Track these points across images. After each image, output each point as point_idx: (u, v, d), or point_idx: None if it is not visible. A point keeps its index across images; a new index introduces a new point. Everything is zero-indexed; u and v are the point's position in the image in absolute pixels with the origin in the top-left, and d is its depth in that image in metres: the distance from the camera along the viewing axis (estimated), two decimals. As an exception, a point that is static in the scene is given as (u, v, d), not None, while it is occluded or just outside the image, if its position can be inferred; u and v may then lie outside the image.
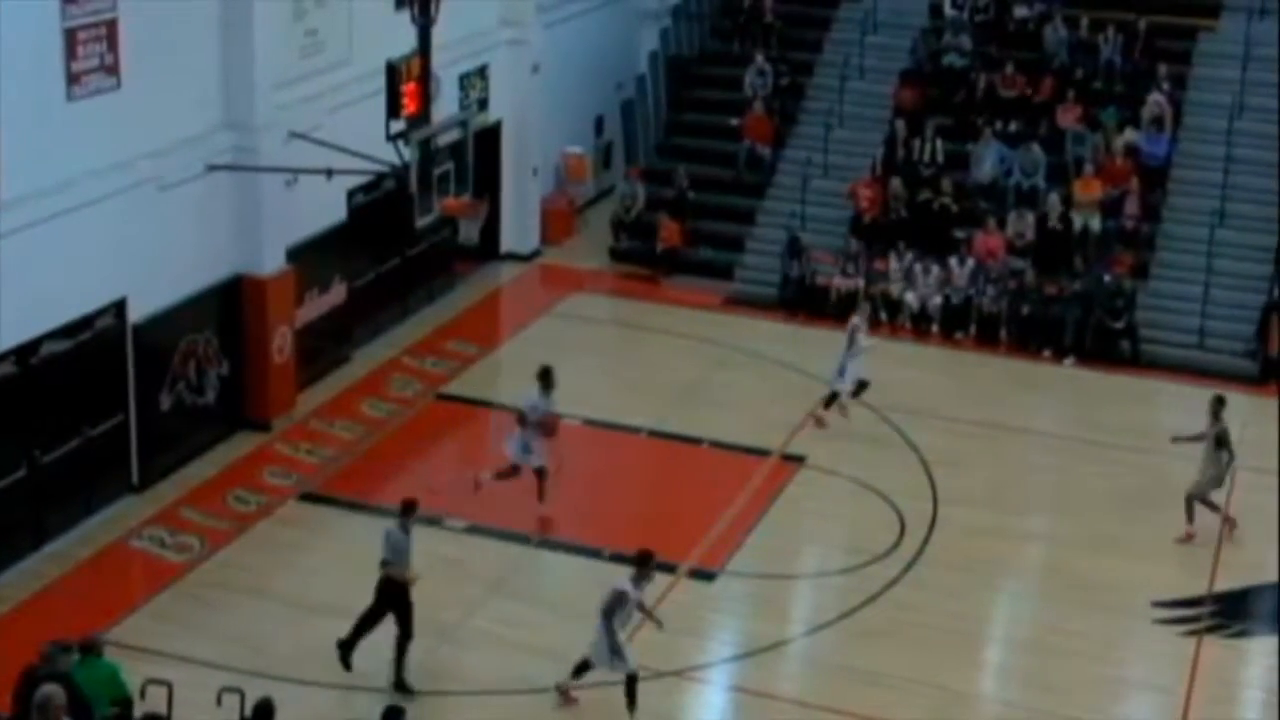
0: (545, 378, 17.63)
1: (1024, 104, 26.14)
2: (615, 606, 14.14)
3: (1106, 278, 22.92)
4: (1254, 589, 16.75)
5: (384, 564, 14.55)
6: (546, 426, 17.55)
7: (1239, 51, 26.17)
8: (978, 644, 16.05)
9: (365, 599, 14.61)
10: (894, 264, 23.99)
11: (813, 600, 16.77)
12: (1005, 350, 22.95)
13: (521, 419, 17.57)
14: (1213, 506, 17.68)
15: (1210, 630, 15.96)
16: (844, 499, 18.56)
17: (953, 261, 23.76)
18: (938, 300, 23.54)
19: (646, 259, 25.50)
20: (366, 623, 14.66)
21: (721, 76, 28.00)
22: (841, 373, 20.08)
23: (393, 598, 14.54)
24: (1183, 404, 20.47)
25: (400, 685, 14.51)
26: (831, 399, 20.19)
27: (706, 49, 29.03)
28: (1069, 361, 22.54)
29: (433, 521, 16.63)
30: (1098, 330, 22.56)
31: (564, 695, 14.51)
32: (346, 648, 14.67)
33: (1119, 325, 22.48)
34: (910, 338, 23.39)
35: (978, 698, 15.14)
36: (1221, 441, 17.65)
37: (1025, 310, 23.01)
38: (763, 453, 19.42)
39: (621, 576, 14.36)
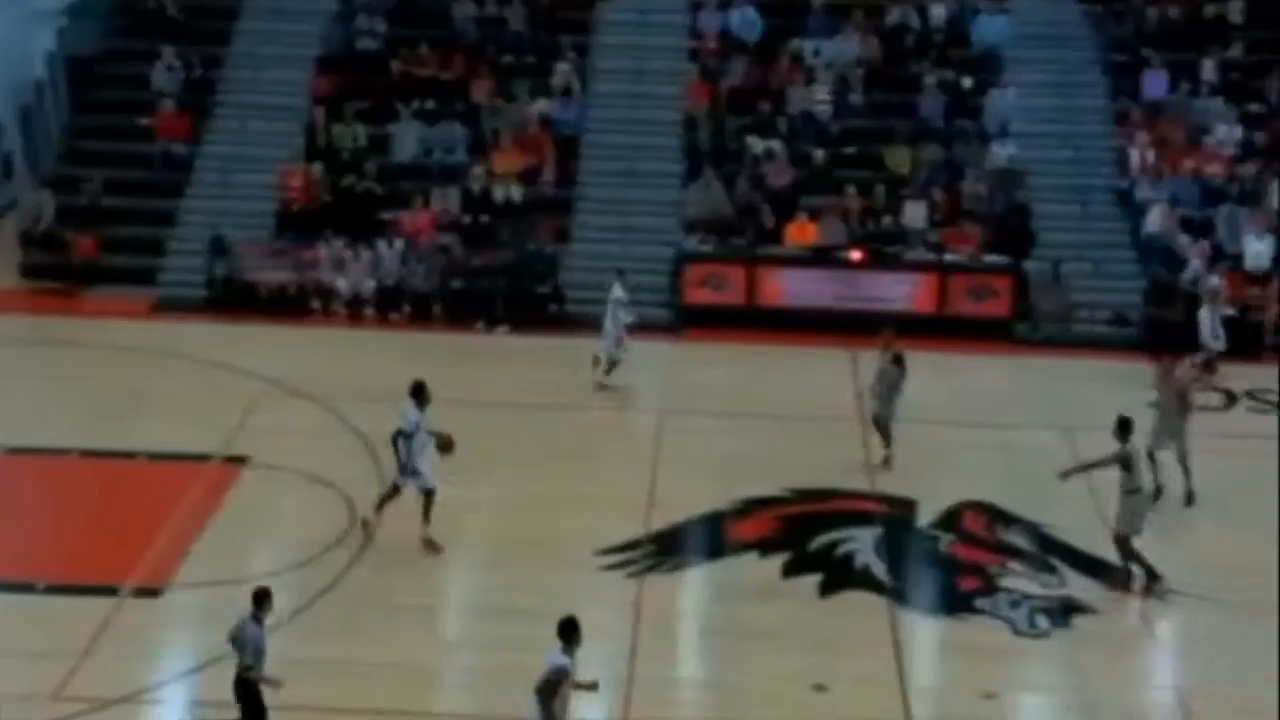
0: (419, 394, 16.91)
1: (439, 82, 26.58)
2: (556, 685, 12.31)
3: (531, 245, 23.68)
4: (684, 524, 17.72)
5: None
6: (442, 442, 16.81)
7: (636, 19, 27.58)
8: (438, 618, 16.25)
9: None
10: (324, 252, 23.88)
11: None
12: (440, 326, 23.34)
13: (405, 438, 16.73)
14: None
15: (650, 569, 16.80)
16: (292, 494, 18.31)
17: (381, 244, 23.90)
18: (370, 284, 23.64)
19: (61, 273, 24.28)
20: None
21: (127, 75, 27.02)
22: (618, 342, 20.74)
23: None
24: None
25: None
26: (611, 367, 20.86)
27: (109, 47, 27.89)
28: (502, 330, 23.18)
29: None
30: (527, 297, 23.30)
31: None
32: None
33: (546, 290, 23.31)
34: (345, 324, 23.39)
35: (441, 672, 15.32)
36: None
37: (456, 285, 23.47)
38: (203, 457, 18.91)
39: (553, 650, 12.54)
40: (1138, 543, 16.48)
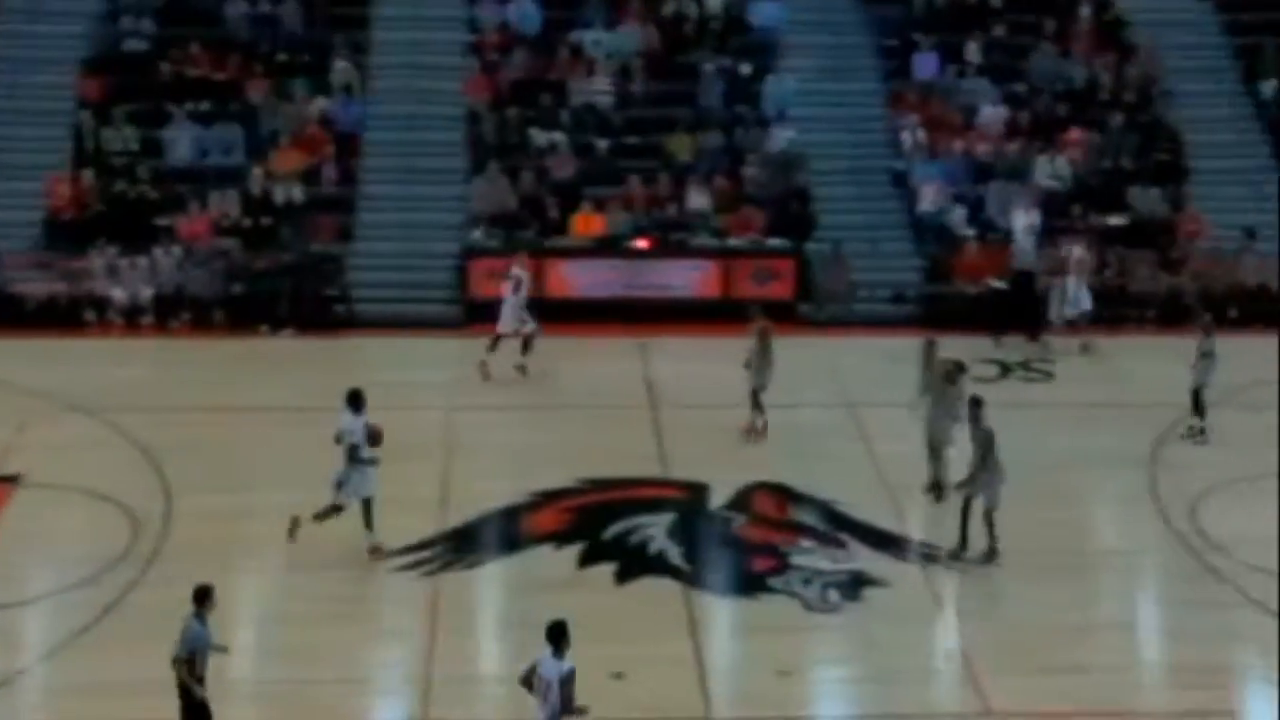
0: (355, 401, 16.61)
1: (212, 83, 25.99)
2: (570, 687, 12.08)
3: (313, 246, 23.33)
4: (478, 520, 17.64)
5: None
6: (374, 434, 16.45)
7: (413, 14, 27.35)
8: (232, 628, 15.80)
9: None
10: (96, 261, 23.18)
11: (50, 622, 15.88)
12: (223, 333, 22.87)
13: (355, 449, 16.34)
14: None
15: (445, 568, 16.67)
16: (70, 511, 17.71)
17: (158, 251, 23.30)
18: (148, 292, 23.02)
19: None
20: None
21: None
22: (524, 321, 20.97)
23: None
24: (396, 357, 21.19)
25: None
26: (527, 343, 21.07)
27: None
28: (287, 333, 22.79)
29: None
30: (311, 299, 22.94)
31: None
32: None
33: (331, 291, 22.99)
34: (122, 334, 22.75)
35: (237, 681, 14.97)
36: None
37: (238, 289, 23.00)
38: (-25, 480, 18.23)
39: (545, 658, 12.28)
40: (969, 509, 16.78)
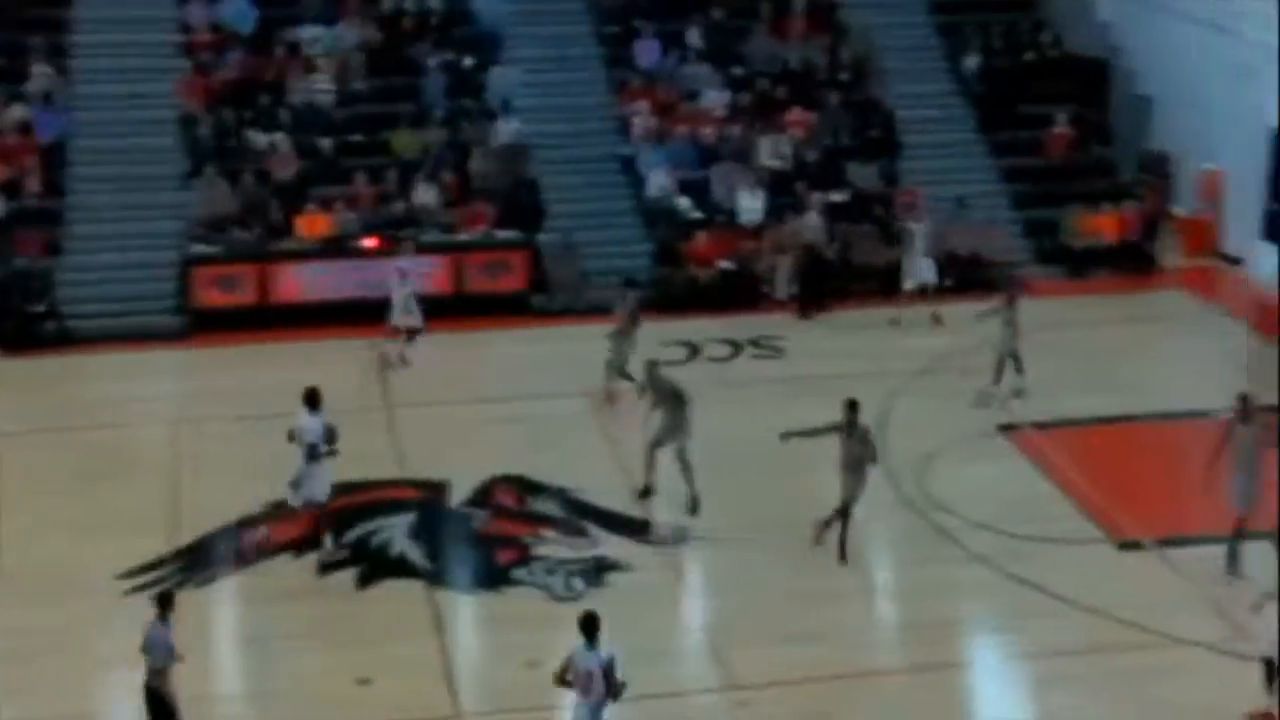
0: (312, 399, 16.49)
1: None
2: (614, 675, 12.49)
3: (18, 262, 22.27)
4: (211, 535, 17.12)
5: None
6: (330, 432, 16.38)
7: (116, 15, 26.37)
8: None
9: None
10: None
11: None
12: (-75, 355, 21.71)
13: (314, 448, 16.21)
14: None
15: (179, 586, 16.05)
16: None
17: None
18: None
19: None
20: None
21: None
22: (409, 310, 21.10)
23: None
24: (117, 371, 20.40)
25: None
26: (412, 335, 21.11)
27: None
28: (-6, 353, 21.79)
29: None
30: (18, 316, 21.90)
31: None
32: None
33: (40, 308, 21.98)
34: None
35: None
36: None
37: (-63, 311, 21.87)
38: None
39: (579, 648, 12.58)
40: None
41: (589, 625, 12.60)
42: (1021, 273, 24.02)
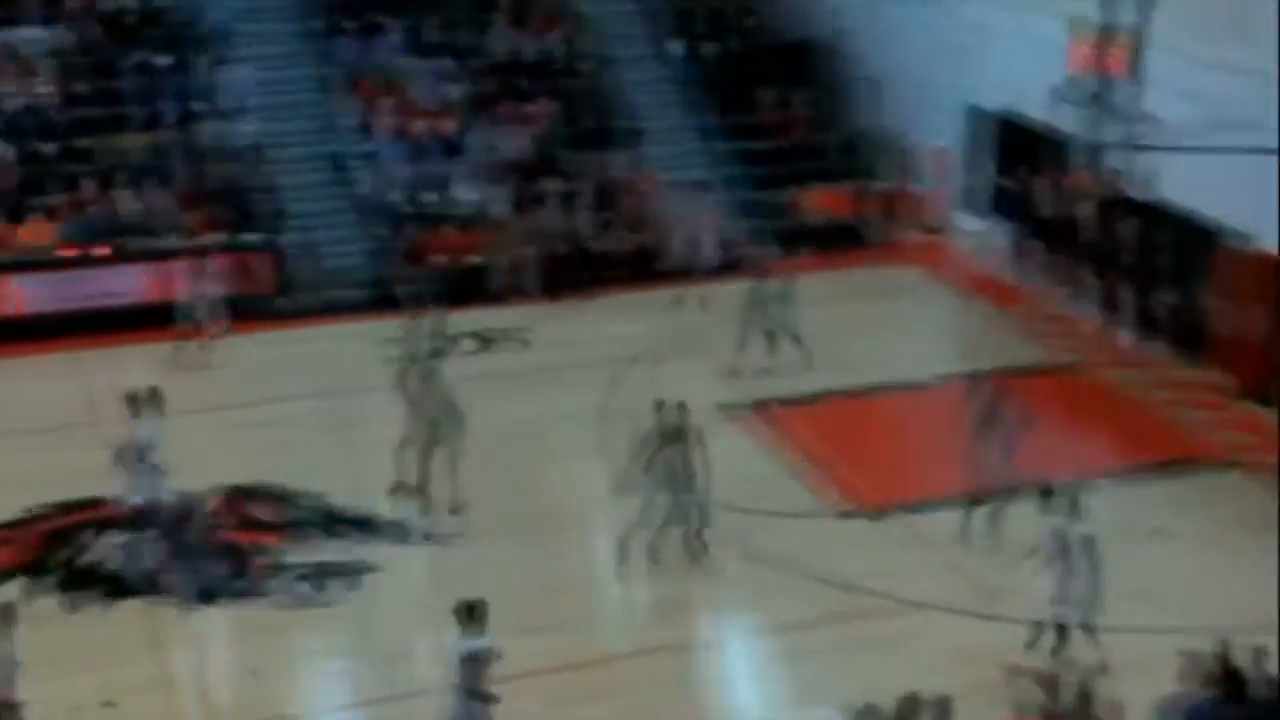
0: (152, 399, 16.27)
1: None
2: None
3: None
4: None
5: None
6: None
7: None
8: None
9: None
10: None
11: None
12: None
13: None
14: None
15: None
16: None
17: None
18: None
19: None
20: None
21: None
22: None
23: None
24: None
25: None
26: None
27: None
28: None
29: None
30: None
31: None
32: None
33: None
34: None
35: None
36: None
37: None
38: None
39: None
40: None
41: (464, 612, 12.85)
42: (762, 253, 24.61)
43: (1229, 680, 11.83)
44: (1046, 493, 14.47)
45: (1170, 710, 11.95)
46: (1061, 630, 14.18)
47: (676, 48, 28.08)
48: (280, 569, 16.46)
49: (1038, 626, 14.28)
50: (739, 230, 25.04)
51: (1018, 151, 24.78)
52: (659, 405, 16.32)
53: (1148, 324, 21.96)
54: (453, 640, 12.81)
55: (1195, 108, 19.60)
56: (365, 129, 25.91)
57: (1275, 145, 19.19)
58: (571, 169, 25.75)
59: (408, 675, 14.55)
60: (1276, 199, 19.43)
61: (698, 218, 24.59)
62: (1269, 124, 19.36)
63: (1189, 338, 21.40)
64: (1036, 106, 23.63)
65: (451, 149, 25.86)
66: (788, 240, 25.64)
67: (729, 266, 23.65)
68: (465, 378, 20.81)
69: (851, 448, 18.96)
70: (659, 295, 23.51)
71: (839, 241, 25.75)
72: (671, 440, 16.10)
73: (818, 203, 25.86)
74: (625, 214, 25.10)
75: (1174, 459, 18.69)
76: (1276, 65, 19.36)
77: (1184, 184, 20.08)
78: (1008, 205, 25.18)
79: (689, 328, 22.54)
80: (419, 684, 14.34)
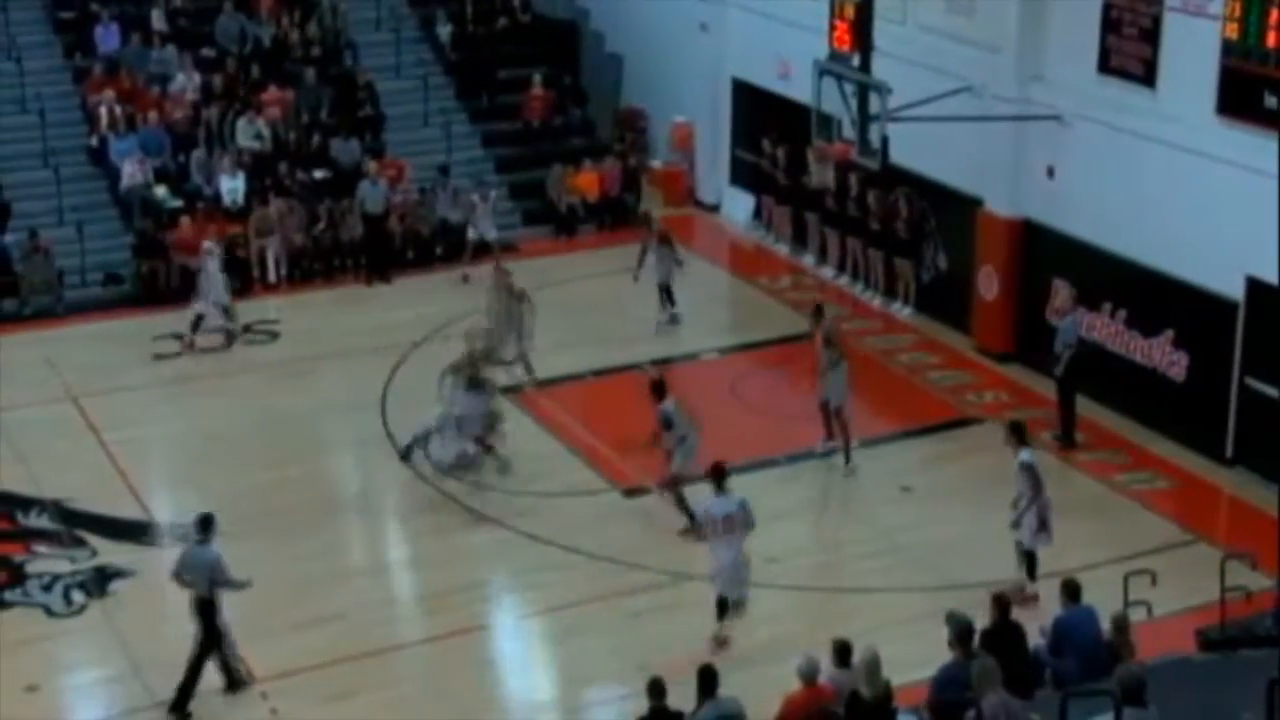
0: None
1: None
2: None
3: None
4: None
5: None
6: None
7: None
8: None
9: None
10: None
11: None
12: None
13: None
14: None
15: None
16: None
17: None
18: None
19: None
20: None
21: None
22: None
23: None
24: None
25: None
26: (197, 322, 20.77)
27: None
28: None
29: None
30: None
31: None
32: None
33: None
34: None
35: None
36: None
37: None
38: None
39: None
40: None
41: (718, 474, 14.46)
42: (509, 237, 24.61)
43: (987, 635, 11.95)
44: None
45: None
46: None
47: (444, 31, 27.66)
48: (24, 580, 15.72)
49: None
50: (497, 212, 24.75)
51: (762, 123, 25.13)
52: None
53: (893, 289, 22.52)
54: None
55: (929, 78, 20.20)
56: (90, 121, 24.86)
57: (1003, 114, 20.00)
58: (313, 157, 25.15)
59: (169, 682, 14.02)
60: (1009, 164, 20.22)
61: (441, 202, 24.37)
62: (998, 93, 20.10)
63: (933, 300, 22.00)
64: (776, 78, 24.24)
65: (186, 140, 25.00)
66: (541, 221, 25.60)
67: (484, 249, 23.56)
68: (215, 373, 20.38)
69: (616, 425, 18.85)
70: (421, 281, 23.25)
71: (593, 219, 25.71)
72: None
73: (570, 183, 25.77)
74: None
75: (925, 420, 19.21)
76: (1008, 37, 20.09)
77: (919, 151, 20.61)
78: (753, 177, 25.53)
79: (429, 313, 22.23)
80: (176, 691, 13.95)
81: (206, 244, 21.63)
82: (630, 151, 27.21)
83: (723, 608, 14.46)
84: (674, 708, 11.41)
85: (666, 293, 21.72)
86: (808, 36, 21.35)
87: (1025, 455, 15.17)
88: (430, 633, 15.05)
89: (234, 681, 14.04)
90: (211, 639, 13.85)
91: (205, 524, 13.96)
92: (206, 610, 13.82)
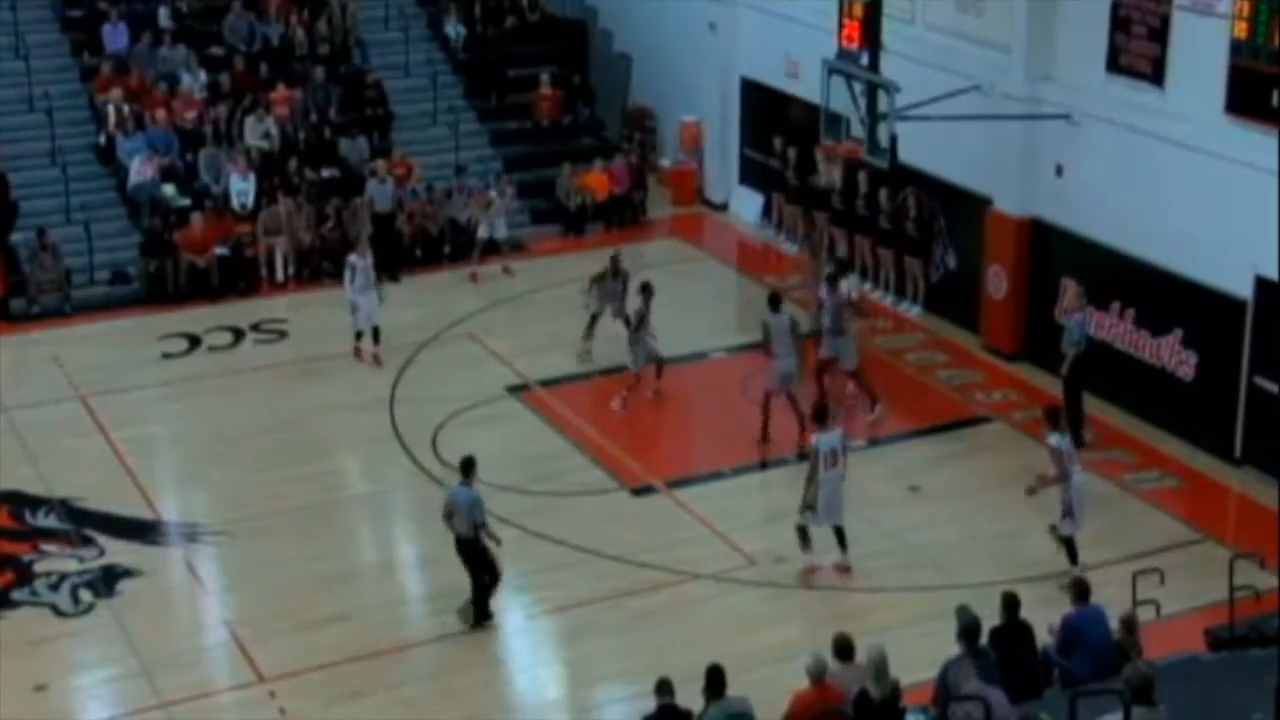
0: None
1: None
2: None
3: None
4: None
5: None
6: None
7: None
8: None
9: None
10: None
11: None
12: None
13: None
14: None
15: None
16: None
17: None
18: None
19: None
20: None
21: None
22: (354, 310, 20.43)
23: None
24: None
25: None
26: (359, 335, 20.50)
27: None
28: None
29: None
30: None
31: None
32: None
33: None
34: None
35: None
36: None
37: None
38: None
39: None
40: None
41: (821, 414, 15.74)
42: (521, 235, 24.62)
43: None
44: None
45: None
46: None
47: (454, 30, 27.66)
48: (32, 579, 15.71)
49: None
50: (510, 210, 24.73)
51: (771, 122, 25.10)
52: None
53: (904, 288, 22.48)
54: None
55: (938, 77, 20.18)
56: (99, 120, 24.87)
57: (1012, 113, 19.97)
58: (322, 156, 25.14)
59: (178, 681, 14.06)
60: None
61: (455, 203, 24.37)
62: (1007, 92, 20.06)
63: (942, 299, 21.97)
64: (787, 78, 24.21)
65: (194, 139, 25.02)
66: (550, 220, 25.58)
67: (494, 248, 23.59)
68: (224, 371, 20.39)
69: (625, 424, 18.90)
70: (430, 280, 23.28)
71: (602, 218, 25.66)
72: None
73: (579, 182, 25.75)
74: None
75: (934, 419, 19.18)
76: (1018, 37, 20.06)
77: (928, 150, 20.58)
78: (764, 175, 25.50)
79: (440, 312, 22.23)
80: (192, 688, 13.98)
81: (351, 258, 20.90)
82: (638, 150, 27.20)
83: (804, 536, 15.29)
84: (683, 706, 11.43)
85: (594, 322, 20.83)
86: (817, 35, 21.34)
87: (1054, 439, 15.28)
88: (436, 632, 15.03)
89: (481, 616, 14.78)
90: (491, 574, 14.77)
91: (468, 466, 14.75)
92: (468, 550, 14.60)
